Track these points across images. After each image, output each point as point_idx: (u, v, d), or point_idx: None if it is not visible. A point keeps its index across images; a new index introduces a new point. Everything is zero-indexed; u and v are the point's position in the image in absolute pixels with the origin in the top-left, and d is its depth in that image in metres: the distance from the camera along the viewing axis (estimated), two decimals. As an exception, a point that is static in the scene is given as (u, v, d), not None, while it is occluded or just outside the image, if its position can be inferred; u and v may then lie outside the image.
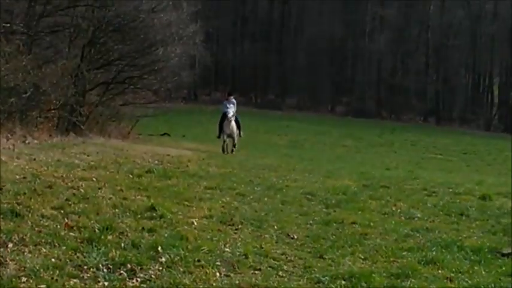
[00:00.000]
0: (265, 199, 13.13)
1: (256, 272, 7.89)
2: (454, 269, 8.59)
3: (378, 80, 76.07)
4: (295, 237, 9.95)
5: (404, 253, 9.36)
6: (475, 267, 8.81)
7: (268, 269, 8.07)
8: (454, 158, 39.53)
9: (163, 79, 36.72)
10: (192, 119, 49.11)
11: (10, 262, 7.20)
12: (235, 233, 9.80)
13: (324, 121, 64.13)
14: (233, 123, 29.16)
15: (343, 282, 7.65)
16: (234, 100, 31.28)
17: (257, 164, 20.85)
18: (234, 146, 30.43)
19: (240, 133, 31.12)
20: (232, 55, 65.90)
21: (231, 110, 29.34)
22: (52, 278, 6.82)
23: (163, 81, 36.88)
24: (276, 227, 10.52)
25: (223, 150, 29.78)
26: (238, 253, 8.59)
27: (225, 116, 29.33)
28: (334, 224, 11.16)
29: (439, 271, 8.45)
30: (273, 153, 28.84)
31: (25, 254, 7.60)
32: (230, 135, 29.20)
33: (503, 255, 9.67)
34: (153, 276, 7.30)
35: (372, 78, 75.85)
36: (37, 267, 7.08)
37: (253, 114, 62.44)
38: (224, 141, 29.84)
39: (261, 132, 45.47)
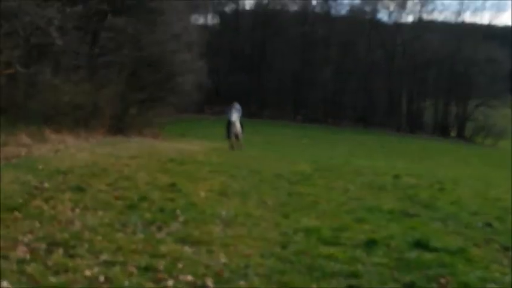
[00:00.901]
0: (249, 178, 13.21)
1: (243, 227, 7.98)
2: (376, 225, 8.68)
3: (324, 98, 76.02)
4: (269, 203, 10.02)
5: (342, 214, 9.45)
6: (390, 223, 8.93)
7: (251, 225, 8.15)
8: (375, 150, 39.57)
9: (180, 98, 37.14)
10: (200, 125, 49.02)
11: (77, 222, 7.28)
12: (229, 201, 9.86)
13: (288, 126, 64.39)
14: (238, 124, 26.10)
15: (301, 233, 7.75)
16: (238, 106, 27.54)
17: (243, 155, 20.88)
18: (240, 144, 26.50)
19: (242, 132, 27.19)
20: (227, 81, 65.67)
21: (235, 115, 26.28)
22: (105, 232, 6.90)
23: (181, 99, 37.35)
24: (255, 197, 10.58)
25: (231, 147, 25.98)
26: (230, 214, 8.67)
27: (230, 120, 26.33)
28: (295, 195, 11.24)
29: (366, 226, 8.54)
30: (253, 148, 28.65)
31: (87, 216, 7.70)
32: (237, 135, 26.01)
33: (409, 215, 9.79)
34: (173, 230, 7.41)
35: (321, 97, 75.77)
36: (95, 225, 7.19)
37: (245, 121, 62.62)
38: (231, 141, 26.27)
39: (247, 133, 45.44)
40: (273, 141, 43.37)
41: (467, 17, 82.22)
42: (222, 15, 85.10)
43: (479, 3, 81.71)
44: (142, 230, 7.28)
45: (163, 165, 14.31)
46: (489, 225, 9.38)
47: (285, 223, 8.45)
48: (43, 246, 6.18)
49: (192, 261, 6.14)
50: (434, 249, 7.25)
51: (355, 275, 6.09)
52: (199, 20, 75.47)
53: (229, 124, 26.30)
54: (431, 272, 6.35)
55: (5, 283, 5.06)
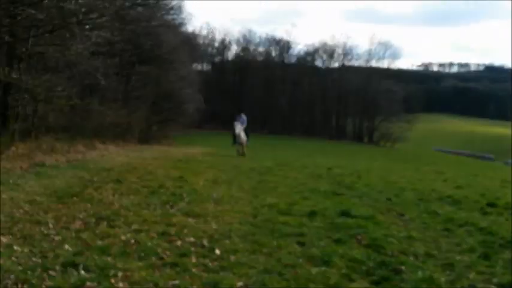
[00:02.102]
0: (232, 171, 13.17)
1: (227, 204, 7.96)
2: (315, 201, 8.69)
3: (282, 117, 76.13)
4: (245, 188, 9.99)
5: (294, 194, 9.45)
6: (325, 200, 8.94)
7: (233, 202, 8.13)
8: (315, 152, 39.66)
9: (186, 119, 37.47)
10: (199, 137, 48.81)
11: (116, 203, 7.22)
12: (218, 187, 9.82)
13: (258, 136, 64.30)
14: (242, 134, 21.69)
15: (266, 207, 7.75)
16: (244, 116, 23.05)
17: (227, 155, 20.82)
18: (242, 152, 21.99)
19: (247, 142, 22.74)
20: (217, 107, 65.36)
21: (238, 126, 21.69)
22: (135, 210, 6.86)
23: (186, 120, 37.64)
24: (236, 183, 10.54)
25: (238, 153, 22.14)
26: (219, 196, 8.63)
27: (234, 130, 22.05)
28: (262, 182, 11.20)
29: (309, 202, 8.55)
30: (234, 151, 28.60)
31: (123, 199, 7.65)
32: (241, 143, 21.87)
33: (337, 194, 9.80)
34: (181, 207, 7.38)
35: (279, 116, 75.88)
36: (128, 205, 7.15)
37: (229, 134, 62.60)
38: (237, 148, 22.38)
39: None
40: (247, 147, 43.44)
41: (374, 63, 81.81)
42: (213, 63, 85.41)
43: (381, 53, 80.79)
44: (160, 208, 7.24)
45: (174, 163, 14.24)
46: (389, 199, 9.46)
47: (256, 201, 8.43)
48: (93, 220, 6.15)
49: (194, 228, 6.13)
50: (354, 217, 7.28)
51: (302, 234, 6.11)
52: (197, 66, 75.54)
53: (234, 133, 22.25)
54: (352, 232, 6.37)
55: (66, 246, 5.02)
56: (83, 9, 10.41)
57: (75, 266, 4.45)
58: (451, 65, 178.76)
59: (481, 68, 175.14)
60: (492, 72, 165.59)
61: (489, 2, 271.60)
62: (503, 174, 24.48)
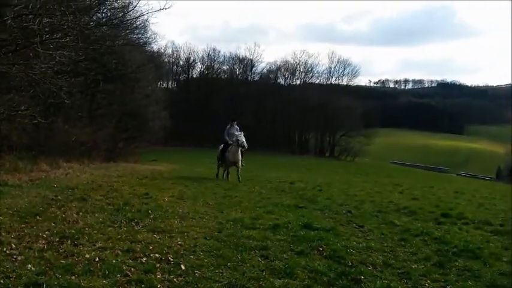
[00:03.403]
0: (197, 187, 13.01)
1: (193, 220, 7.90)
2: (279, 214, 8.72)
3: (246, 132, 76.04)
4: (210, 203, 9.91)
5: (257, 208, 9.46)
6: (288, 213, 8.98)
7: (198, 218, 8.06)
8: (278, 166, 39.88)
9: (152, 136, 37.16)
10: (165, 153, 48.27)
11: (80, 221, 7.06)
12: (184, 203, 9.71)
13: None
14: (239, 151, 15.63)
15: (231, 222, 7.73)
16: (237, 127, 16.58)
17: (193, 171, 20.61)
18: (239, 174, 15.89)
19: (242, 162, 16.21)
20: (182, 124, 65.04)
21: (243, 138, 15.50)
22: (99, 228, 6.72)
23: (152, 137, 37.32)
24: (202, 199, 10.43)
25: (218, 175, 16.89)
26: (185, 212, 8.55)
27: (228, 145, 15.84)
28: (227, 197, 11.15)
29: (273, 215, 8.57)
30: (200, 166, 28.42)
31: (87, 217, 7.45)
32: (235, 164, 15.80)
33: (300, 207, 9.87)
34: (146, 224, 7.28)
35: (244, 132, 75.72)
36: (93, 223, 6.98)
37: (194, 149, 62.20)
38: (224, 169, 16.52)
39: (197, 156, 45.17)
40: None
41: (334, 80, 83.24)
42: (178, 81, 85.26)
43: (340, 71, 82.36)
44: (125, 225, 7.12)
45: (140, 180, 14.02)
46: (350, 212, 9.59)
47: (221, 216, 8.41)
48: (56, 239, 6.00)
49: (159, 244, 6.07)
50: (316, 229, 7.37)
51: (265, 248, 6.14)
52: (163, 84, 75.27)
53: (227, 148, 15.97)
54: (314, 244, 6.43)
55: (29, 266, 4.88)
56: (47, 29, 10.23)
57: (38, 285, 4.37)
58: (406, 81, 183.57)
59: (434, 84, 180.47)
60: (444, 89, 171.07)
61: (441, 24, 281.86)
62: (457, 185, 25.21)
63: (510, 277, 5.38)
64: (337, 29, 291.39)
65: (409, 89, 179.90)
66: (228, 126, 16.50)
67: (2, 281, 4.44)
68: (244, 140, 15.51)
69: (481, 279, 5.29)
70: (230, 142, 15.89)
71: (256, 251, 5.95)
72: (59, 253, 5.40)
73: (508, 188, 29.62)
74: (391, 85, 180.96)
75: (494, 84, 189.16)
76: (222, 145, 16.42)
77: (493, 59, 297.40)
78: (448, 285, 5.08)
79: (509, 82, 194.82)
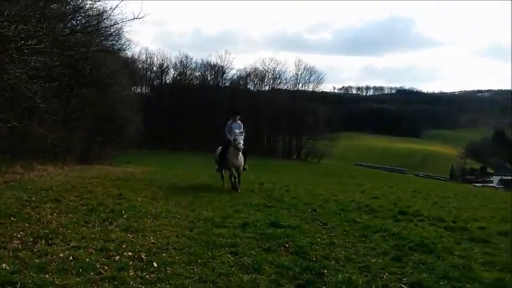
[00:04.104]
0: (170, 188, 12.85)
1: (165, 219, 7.83)
2: (248, 213, 8.73)
3: (219, 136, 75.58)
4: (182, 203, 9.82)
5: (228, 208, 9.40)
6: (256, 212, 9.00)
7: (170, 217, 8.01)
8: (251, 169, 39.72)
9: (126, 139, 36.73)
10: (139, 156, 47.56)
11: (54, 222, 6.92)
12: (157, 203, 9.62)
13: (198, 154, 63.96)
14: (240, 153, 12.53)
15: (202, 221, 7.70)
16: (240, 122, 13.14)
17: (166, 174, 20.36)
18: (239, 181, 12.93)
19: (244, 165, 13.15)
20: (155, 128, 64.33)
21: (241, 138, 12.38)
22: (73, 228, 6.61)
23: (126, 140, 36.84)
24: (174, 199, 10.33)
25: (232, 183, 13.02)
26: (157, 211, 8.47)
27: (229, 144, 12.62)
28: (199, 197, 11.03)
29: (242, 214, 8.56)
30: (176, 169, 28.14)
31: (61, 218, 7.30)
32: (237, 168, 12.71)
33: (268, 206, 9.89)
34: (120, 223, 7.17)
35: (217, 135, 75.29)
36: (67, 223, 6.86)
37: (168, 152, 61.65)
38: (231, 173, 12.87)
39: (171, 159, 44.86)
40: (190, 164, 42.96)
41: (300, 87, 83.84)
42: (151, 86, 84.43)
43: (306, 78, 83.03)
44: (99, 225, 7.00)
45: (114, 182, 13.78)
46: (315, 210, 9.67)
47: (192, 215, 8.34)
48: (30, 239, 5.87)
49: (132, 243, 6.01)
50: (283, 227, 7.40)
51: (235, 245, 6.14)
52: (137, 89, 74.41)
53: (227, 148, 12.78)
54: (281, 240, 6.47)
55: (3, 265, 4.77)
56: (22, 35, 9.99)
57: (12, 284, 4.29)
58: (367, 88, 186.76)
59: (393, 91, 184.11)
60: (403, 95, 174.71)
61: (401, 35, 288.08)
62: (414, 185, 25.76)
63: (461, 269, 5.52)
64: (303, 38, 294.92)
65: (371, 95, 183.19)
66: (229, 122, 13.12)
67: (-24, 280, 4.34)
68: (241, 142, 12.37)
69: (434, 271, 5.40)
70: (231, 139, 12.54)
71: (226, 248, 5.96)
72: (33, 252, 5.30)
73: (461, 187, 30.40)
74: (354, 91, 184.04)
75: (448, 91, 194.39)
76: (221, 146, 13.32)
77: (447, 68, 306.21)
78: (404, 277, 5.18)
79: (462, 89, 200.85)
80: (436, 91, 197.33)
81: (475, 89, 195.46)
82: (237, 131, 12.50)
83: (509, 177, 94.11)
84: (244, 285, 4.64)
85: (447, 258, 6.04)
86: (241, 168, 12.95)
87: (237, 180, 12.84)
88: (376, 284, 4.92)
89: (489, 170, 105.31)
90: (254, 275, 4.96)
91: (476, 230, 8.10)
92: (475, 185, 53.90)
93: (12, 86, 12.99)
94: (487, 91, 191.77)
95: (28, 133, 17.55)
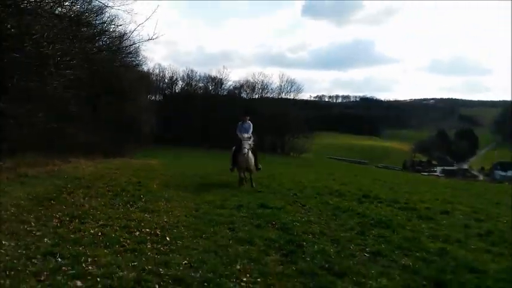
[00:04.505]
0: (179, 177, 12.68)
1: (176, 202, 7.76)
2: (242, 197, 8.67)
3: (218, 135, 75.33)
4: (189, 189, 9.71)
5: (226, 193, 9.34)
6: (249, 196, 8.95)
7: (180, 200, 7.96)
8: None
9: (144, 137, 36.47)
10: (154, 151, 47.15)
11: (86, 204, 6.87)
12: (169, 189, 9.48)
13: (200, 149, 63.35)
14: (250, 155, 10.62)
15: (206, 203, 7.71)
16: (250, 122, 11.25)
17: (176, 165, 20.21)
18: (252, 181, 11.04)
19: (257, 165, 11.32)
20: (167, 129, 63.87)
21: (247, 143, 10.47)
22: (102, 209, 6.58)
23: (144, 138, 36.68)
24: (182, 186, 10.20)
25: (240, 183, 11.03)
26: (169, 196, 8.39)
27: (240, 145, 10.57)
28: (203, 185, 10.94)
29: (237, 198, 8.52)
30: (183, 162, 27.99)
31: (92, 201, 7.24)
32: (247, 169, 11.04)
33: (258, 191, 9.79)
34: (139, 206, 7.13)
35: (217, 133, 74.92)
36: (96, 206, 6.84)
37: (176, 148, 61.14)
38: (241, 175, 11.13)
39: (179, 154, 44.45)
40: (195, 157, 42.66)
41: (283, 95, 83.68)
42: (164, 95, 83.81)
43: (288, 88, 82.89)
44: (122, 207, 6.95)
45: (134, 172, 13.65)
46: (295, 194, 9.66)
47: (198, 199, 8.28)
48: (67, 218, 5.82)
49: (149, 221, 5.98)
50: (270, 207, 7.42)
51: (232, 222, 6.15)
52: (152, 97, 73.75)
53: (238, 152, 10.65)
54: (269, 219, 6.48)
55: (45, 239, 4.74)
56: (58, 53, 9.90)
57: (53, 254, 4.25)
58: (337, 96, 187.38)
59: (358, 99, 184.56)
60: (365, 102, 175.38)
61: (362, 53, 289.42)
62: (374, 174, 25.92)
63: (412, 241, 5.58)
64: (285, 56, 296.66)
65: (339, 102, 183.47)
66: (240, 123, 11.17)
67: (24, 252, 4.31)
68: (247, 147, 10.32)
69: (391, 243, 5.45)
70: (244, 138, 10.52)
71: (225, 225, 5.95)
72: (69, 229, 5.26)
73: (411, 176, 30.59)
74: (327, 99, 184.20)
75: (401, 99, 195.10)
76: (234, 146, 11.06)
77: (400, 80, 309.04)
78: (367, 247, 5.22)
79: (412, 98, 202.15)
80: (391, 99, 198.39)
81: (422, 98, 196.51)
82: (245, 135, 10.56)
83: (449, 168, 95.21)
84: (239, 254, 4.65)
85: (401, 232, 6.09)
86: (253, 168, 10.87)
87: (247, 179, 11.10)
88: (345, 253, 4.95)
89: (433, 162, 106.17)
90: (247, 246, 4.97)
91: (423, 210, 8.17)
92: (422, 174, 54.31)
93: (51, 94, 12.86)
94: (432, 99, 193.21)
95: (64, 132, 17.34)
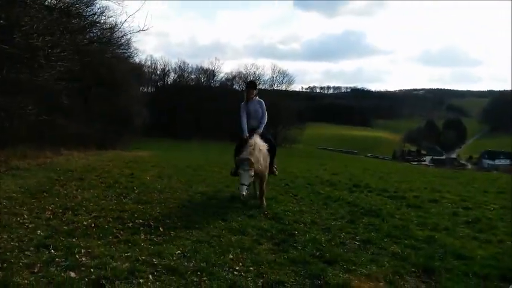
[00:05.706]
0: (172, 169, 12.70)
1: (168, 193, 7.74)
2: (235, 188, 8.61)
3: (211, 126, 74.83)
4: (182, 181, 9.68)
5: (219, 184, 9.36)
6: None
7: (173, 192, 7.93)
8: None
9: (136, 129, 36.19)
10: (146, 143, 46.90)
11: (79, 196, 6.83)
12: (162, 181, 9.49)
13: (192, 140, 63.07)
14: (264, 151, 5.94)
15: (199, 194, 7.72)
16: (259, 100, 6.65)
17: (166, 158, 20.10)
18: (260, 190, 6.49)
19: (273, 168, 6.72)
20: (159, 120, 63.44)
21: (252, 147, 5.71)
22: (95, 201, 6.53)
23: (136, 130, 36.38)
24: (175, 178, 10.18)
25: (243, 197, 5.99)
26: (162, 187, 8.38)
27: (242, 141, 6.22)
28: (195, 176, 10.93)
29: (230, 189, 8.48)
30: (175, 153, 27.85)
31: (84, 193, 7.21)
32: (261, 174, 6.10)
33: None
34: (132, 197, 7.09)
35: (212, 124, 74.53)
36: (89, 197, 6.79)
37: (169, 139, 60.86)
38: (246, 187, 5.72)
39: (171, 146, 44.39)
40: (187, 149, 42.54)
41: (275, 86, 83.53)
42: (156, 87, 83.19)
43: (280, 79, 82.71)
44: (115, 198, 6.91)
45: (127, 164, 13.60)
46: (287, 184, 9.72)
47: (191, 190, 8.26)
48: (60, 210, 5.79)
49: (142, 212, 5.95)
50: (262, 198, 7.41)
51: (225, 213, 6.14)
52: (144, 89, 73.16)
53: (241, 145, 6.49)
54: (261, 208, 6.50)
55: (38, 231, 4.71)
56: (49, 45, 9.74)
57: (46, 246, 4.22)
58: (328, 88, 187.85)
59: (348, 90, 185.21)
60: (356, 93, 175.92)
61: (353, 45, 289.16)
62: (365, 164, 26.10)
63: (401, 229, 5.63)
64: (277, 48, 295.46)
65: (331, 93, 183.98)
66: (243, 102, 6.93)
67: (17, 244, 4.27)
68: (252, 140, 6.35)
69: (380, 231, 5.49)
70: (245, 136, 6.59)
71: (218, 216, 5.94)
72: (62, 221, 5.22)
73: (400, 166, 30.88)
74: (318, 90, 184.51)
75: (391, 90, 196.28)
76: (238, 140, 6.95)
77: (390, 71, 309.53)
78: (357, 236, 5.26)
79: (402, 88, 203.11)
80: (382, 90, 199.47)
81: (412, 88, 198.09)
82: (257, 124, 6.87)
83: (438, 157, 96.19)
84: (232, 244, 4.66)
85: (390, 220, 6.12)
86: (265, 176, 6.66)
87: (258, 190, 6.86)
88: (335, 241, 4.99)
89: (423, 152, 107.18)
90: (240, 236, 4.99)
91: (412, 198, 8.22)
92: (411, 164, 54.84)
93: (41, 86, 12.68)
94: (421, 90, 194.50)
95: (56, 124, 17.18)
